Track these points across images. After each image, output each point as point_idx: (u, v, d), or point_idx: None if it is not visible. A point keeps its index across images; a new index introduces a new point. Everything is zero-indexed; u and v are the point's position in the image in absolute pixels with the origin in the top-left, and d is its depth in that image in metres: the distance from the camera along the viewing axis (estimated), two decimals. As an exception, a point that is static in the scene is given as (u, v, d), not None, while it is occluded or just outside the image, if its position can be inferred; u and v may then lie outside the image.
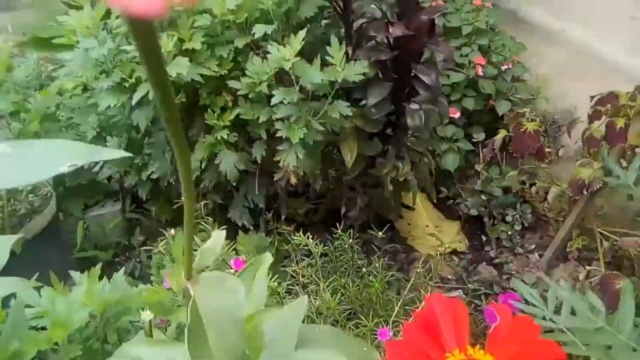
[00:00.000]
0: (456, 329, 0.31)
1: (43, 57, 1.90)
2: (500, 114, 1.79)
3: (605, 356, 0.43)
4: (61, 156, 0.42)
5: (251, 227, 1.43)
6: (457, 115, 1.79)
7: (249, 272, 0.39)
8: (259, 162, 1.19)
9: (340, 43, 1.09)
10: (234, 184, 1.36)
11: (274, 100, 1.05)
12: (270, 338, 0.41)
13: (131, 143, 1.49)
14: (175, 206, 1.39)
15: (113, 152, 0.44)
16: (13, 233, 1.39)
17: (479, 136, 1.81)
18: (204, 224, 1.24)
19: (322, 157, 1.45)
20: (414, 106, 1.27)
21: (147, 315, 0.48)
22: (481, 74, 1.80)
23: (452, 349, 0.30)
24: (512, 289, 1.39)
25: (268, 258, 0.42)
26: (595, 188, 1.33)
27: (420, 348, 0.30)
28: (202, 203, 1.27)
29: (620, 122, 1.26)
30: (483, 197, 1.71)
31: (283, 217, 1.46)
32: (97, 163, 1.78)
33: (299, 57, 1.01)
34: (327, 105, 1.08)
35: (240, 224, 1.41)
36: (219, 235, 0.35)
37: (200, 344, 0.29)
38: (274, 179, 1.22)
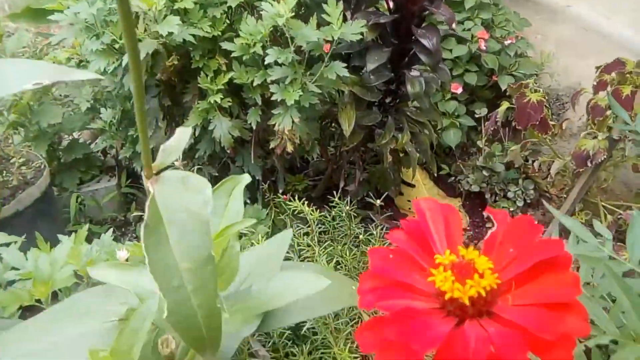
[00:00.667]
0: (447, 232, 0.28)
1: (36, 31, 1.87)
2: (503, 89, 1.75)
3: (619, 286, 0.40)
4: (27, 74, 0.39)
5: (247, 200, 1.40)
6: (459, 90, 1.75)
7: (225, 189, 0.36)
8: (254, 128, 1.16)
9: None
10: (229, 155, 1.33)
11: (267, 60, 1.01)
12: (250, 271, 0.38)
13: (125, 114, 1.46)
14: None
15: (84, 73, 0.41)
16: (4, 205, 1.36)
17: (481, 112, 1.77)
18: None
19: (321, 130, 1.41)
20: (414, 73, 1.24)
21: (123, 254, 0.45)
22: (484, 48, 1.76)
23: (442, 252, 0.27)
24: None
25: (246, 178, 0.39)
26: (599, 159, 1.30)
27: (407, 253, 0.27)
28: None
29: (626, 90, 1.22)
30: (485, 173, 1.67)
31: (281, 191, 1.43)
32: (93, 138, 1.76)
33: (293, 14, 0.98)
34: (323, 67, 1.04)
35: (236, 196, 1.38)
36: (183, 132, 0.32)
37: (159, 244, 0.26)
38: (271, 147, 1.19)
